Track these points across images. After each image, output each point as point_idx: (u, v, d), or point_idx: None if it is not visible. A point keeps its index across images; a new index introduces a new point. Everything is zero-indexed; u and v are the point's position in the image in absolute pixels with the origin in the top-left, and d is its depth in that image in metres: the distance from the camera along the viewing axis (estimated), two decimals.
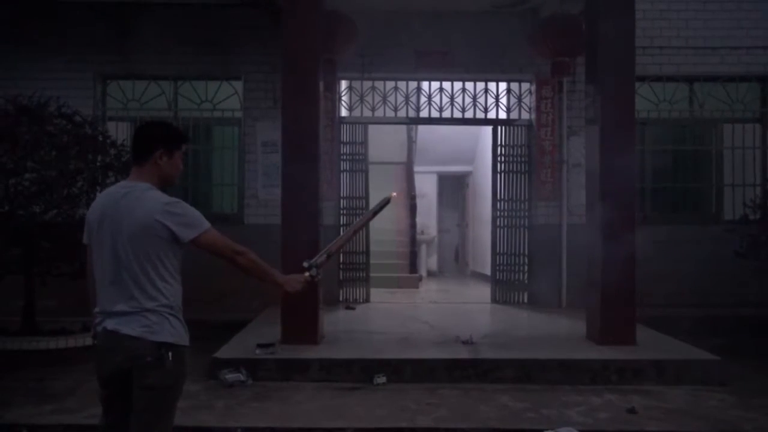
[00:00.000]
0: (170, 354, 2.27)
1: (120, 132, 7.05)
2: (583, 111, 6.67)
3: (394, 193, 3.00)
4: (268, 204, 7.30)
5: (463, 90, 7.80)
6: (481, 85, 7.81)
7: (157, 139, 2.41)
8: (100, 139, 5.79)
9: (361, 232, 7.07)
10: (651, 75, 7.45)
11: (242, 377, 4.74)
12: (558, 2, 6.72)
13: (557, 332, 6.10)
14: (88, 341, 2.44)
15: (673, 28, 7.53)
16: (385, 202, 2.98)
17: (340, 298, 7.76)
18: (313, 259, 2.68)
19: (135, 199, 2.31)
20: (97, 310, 2.35)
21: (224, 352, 5.09)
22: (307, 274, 2.64)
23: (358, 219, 3.03)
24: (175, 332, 2.31)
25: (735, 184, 7.70)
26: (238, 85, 7.62)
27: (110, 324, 2.28)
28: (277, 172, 6.81)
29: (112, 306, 2.29)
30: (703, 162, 7.85)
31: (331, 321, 6.27)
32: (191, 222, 2.32)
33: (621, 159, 5.39)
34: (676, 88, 7.72)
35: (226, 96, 7.67)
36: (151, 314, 2.27)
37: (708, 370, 4.92)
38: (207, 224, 2.35)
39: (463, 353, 5.15)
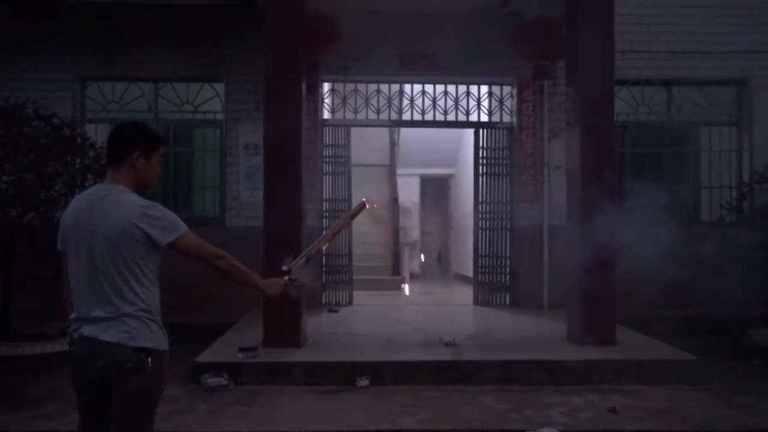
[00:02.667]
0: (150, 359, 2.24)
1: (99, 134, 6.94)
2: (564, 114, 6.74)
3: (365, 199, 3.01)
4: (250, 207, 7.25)
5: (446, 93, 7.84)
6: (463, 88, 7.86)
7: (133, 141, 2.36)
8: (79, 141, 5.72)
9: (343, 233, 7.06)
10: (630, 79, 7.55)
11: (224, 381, 4.71)
12: (539, 6, 6.78)
13: (539, 333, 6.14)
14: (66, 347, 2.39)
15: (652, 32, 7.64)
16: (361, 206, 2.98)
17: (323, 301, 7.74)
18: (292, 263, 2.67)
19: (111, 203, 2.27)
20: (73, 316, 2.30)
21: (206, 356, 5.05)
22: (286, 278, 2.63)
23: (337, 222, 3.03)
24: (154, 337, 2.28)
25: (712, 186, 7.83)
26: (220, 87, 7.57)
27: (87, 330, 2.23)
28: (259, 174, 6.75)
29: (88, 312, 2.24)
30: (681, 164, 7.97)
31: (314, 324, 6.25)
32: (168, 225, 2.29)
33: (601, 161, 5.46)
34: (654, 92, 7.84)
35: (208, 98, 7.62)
36: (129, 319, 2.23)
37: (687, 370, 5.00)
38: (185, 228, 2.32)
39: (446, 355, 5.17)
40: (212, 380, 4.68)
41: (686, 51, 7.64)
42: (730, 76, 7.74)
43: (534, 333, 6.19)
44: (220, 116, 7.58)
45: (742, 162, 7.85)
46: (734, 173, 7.85)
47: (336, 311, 7.43)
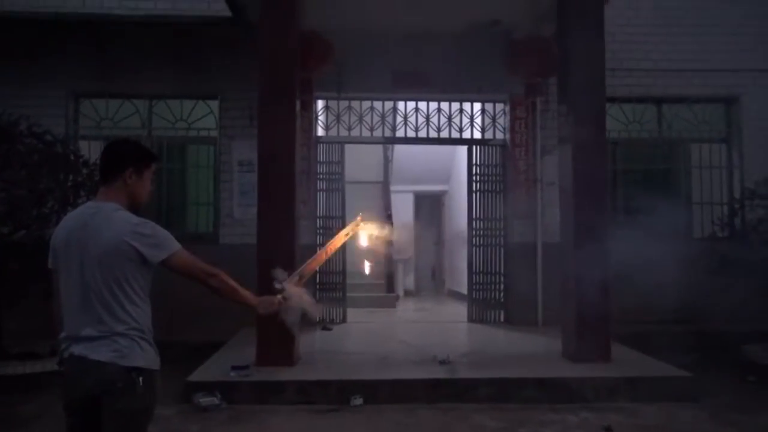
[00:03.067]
0: (141, 378, 2.21)
1: (93, 151, 6.93)
2: (556, 130, 6.79)
3: (359, 217, 3.01)
4: (244, 223, 7.24)
5: (439, 110, 7.89)
6: (456, 105, 7.91)
7: (126, 158, 2.36)
8: (72, 158, 5.70)
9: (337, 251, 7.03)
10: (621, 96, 7.62)
11: (217, 401, 4.66)
12: (530, 25, 6.86)
13: (534, 350, 6.12)
14: (56, 366, 2.36)
15: (641, 50, 7.74)
16: (356, 225, 2.99)
17: (317, 319, 7.68)
18: (286, 281, 2.66)
19: (103, 220, 2.26)
20: (63, 335, 2.27)
21: (198, 375, 4.99)
22: (279, 296, 2.62)
23: (332, 239, 3.01)
24: (145, 356, 2.26)
25: (703, 202, 7.88)
26: (214, 104, 7.60)
27: (77, 349, 2.21)
28: (253, 191, 6.76)
29: (79, 331, 2.22)
30: (672, 181, 8.03)
31: (308, 342, 6.21)
32: (161, 243, 2.28)
33: (593, 177, 5.49)
34: (645, 109, 7.92)
35: (202, 115, 7.63)
36: (120, 338, 2.21)
37: (681, 387, 4.98)
38: (177, 245, 2.31)
39: (440, 373, 5.14)
40: (204, 399, 4.63)
41: (676, 69, 7.74)
42: (719, 93, 7.84)
43: (528, 350, 6.16)
44: (213, 133, 7.59)
45: (732, 178, 7.92)
46: (725, 189, 7.91)
47: (329, 329, 7.39)
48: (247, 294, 2.50)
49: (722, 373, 5.81)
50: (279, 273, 2.64)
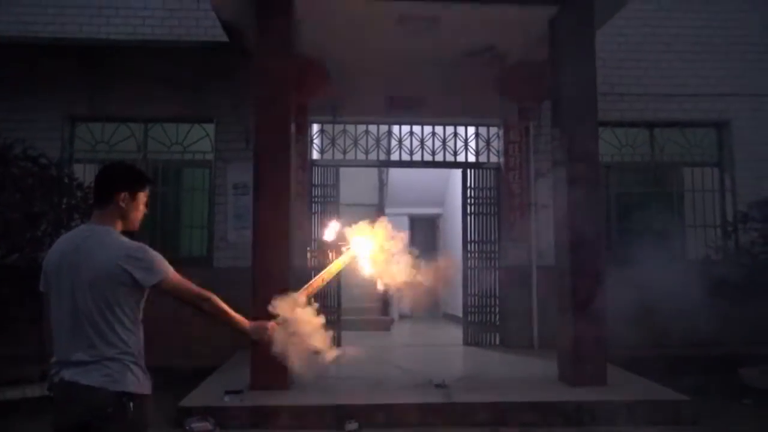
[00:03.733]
0: (132, 404, 2.18)
1: (88, 174, 6.94)
2: (549, 154, 6.85)
3: (349, 248, 2.97)
4: (238, 247, 7.22)
5: (433, 134, 7.95)
6: (450, 129, 7.99)
7: (120, 182, 2.36)
8: (66, 181, 5.70)
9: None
10: (613, 120, 7.71)
11: (210, 426, 4.59)
12: (523, 51, 6.96)
13: (530, 374, 6.08)
14: (47, 391, 2.32)
15: (633, 76, 7.85)
16: (353, 252, 2.97)
17: (324, 352, 7.59)
18: (280, 306, 2.64)
19: (96, 244, 2.25)
20: (53, 359, 2.25)
21: (190, 400, 4.93)
22: (273, 321, 2.60)
23: (328, 265, 2.98)
24: (136, 381, 2.23)
25: (697, 225, 7.93)
26: (210, 127, 7.63)
27: (68, 374, 2.18)
28: (247, 214, 6.76)
29: (70, 355, 2.19)
30: (665, 204, 8.08)
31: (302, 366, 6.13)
32: (153, 267, 2.26)
33: (587, 200, 5.52)
34: (637, 134, 8.01)
35: (197, 138, 7.66)
36: (111, 363, 2.18)
37: (679, 410, 4.95)
38: (170, 269, 2.30)
39: (436, 397, 5.08)
40: (197, 425, 4.56)
41: (666, 94, 7.85)
42: (711, 117, 7.94)
43: (524, 373, 6.12)
44: (209, 156, 7.61)
45: (725, 201, 7.98)
46: (718, 212, 7.96)
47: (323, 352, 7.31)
48: (239, 319, 2.48)
49: (720, 396, 5.78)
50: (275, 305, 2.62)
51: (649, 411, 4.91)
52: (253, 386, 5.13)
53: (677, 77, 7.88)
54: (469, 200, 8.08)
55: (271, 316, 2.60)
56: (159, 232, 7.45)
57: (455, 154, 7.99)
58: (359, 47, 6.96)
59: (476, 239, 8.04)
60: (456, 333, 8.56)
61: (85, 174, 6.87)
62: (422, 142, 7.93)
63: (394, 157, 8.01)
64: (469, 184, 8.09)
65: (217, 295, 2.41)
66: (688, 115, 7.89)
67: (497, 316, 7.87)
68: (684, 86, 7.87)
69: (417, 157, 7.95)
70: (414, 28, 6.26)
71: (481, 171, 8.08)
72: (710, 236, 7.72)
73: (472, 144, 8.06)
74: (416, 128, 7.98)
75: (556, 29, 5.86)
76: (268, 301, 2.68)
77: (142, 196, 2.42)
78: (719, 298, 6.46)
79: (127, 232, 2.37)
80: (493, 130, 7.99)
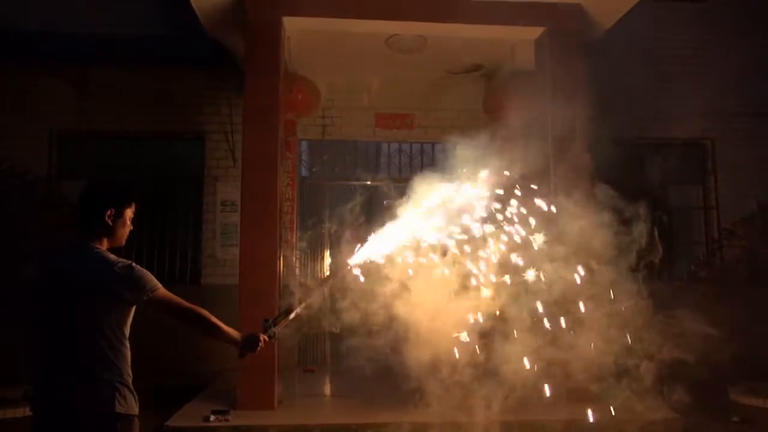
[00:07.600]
0: (119, 424, 2.16)
1: (75, 191, 6.88)
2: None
3: (348, 262, 3.01)
4: (226, 264, 7.18)
5: (422, 151, 8.00)
6: (439, 146, 8.03)
7: (106, 199, 2.36)
8: (53, 197, 5.66)
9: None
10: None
11: None
12: (511, 68, 7.05)
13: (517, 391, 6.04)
14: (30, 412, 2.29)
15: (617, 95, 7.94)
16: (342, 271, 2.98)
17: (297, 360, 7.55)
18: (272, 319, 2.63)
19: (83, 262, 2.23)
20: (39, 380, 2.22)
21: (175, 420, 4.86)
22: (263, 335, 2.59)
23: (320, 282, 2.98)
24: (123, 402, 2.21)
25: (682, 243, 7.99)
26: (198, 144, 7.62)
27: (52, 395, 2.15)
28: (235, 231, 6.74)
29: (55, 375, 2.16)
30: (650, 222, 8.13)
31: (289, 384, 6.09)
32: (142, 283, 2.25)
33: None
34: (623, 151, 8.07)
35: (186, 155, 7.64)
36: (98, 383, 2.16)
37: (669, 428, 4.95)
38: (159, 286, 2.29)
39: (428, 415, 5.04)
40: None
41: (649, 113, 7.95)
42: (694, 136, 8.04)
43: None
44: (197, 173, 7.58)
45: (710, 219, 8.06)
46: (703, 230, 8.04)
47: (312, 371, 7.26)
48: (230, 330, 2.48)
49: (709, 414, 5.78)
50: (268, 323, 2.62)
51: (639, 429, 4.90)
52: (239, 406, 5.07)
53: (661, 99, 7.97)
54: None
55: (264, 329, 2.60)
56: (146, 249, 7.38)
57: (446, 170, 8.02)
58: (347, 66, 7.03)
59: None
60: None
61: (73, 191, 6.81)
62: (411, 159, 7.98)
63: (383, 174, 8.04)
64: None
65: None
66: (672, 133, 7.98)
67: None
68: (668, 106, 7.97)
69: (406, 174, 7.98)
70: (401, 47, 6.34)
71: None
72: (696, 254, 7.78)
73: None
74: (405, 146, 8.02)
75: (541, 48, 5.97)
76: (256, 317, 2.67)
77: (129, 213, 2.42)
78: (706, 315, 6.50)
79: (114, 249, 2.36)
80: None
